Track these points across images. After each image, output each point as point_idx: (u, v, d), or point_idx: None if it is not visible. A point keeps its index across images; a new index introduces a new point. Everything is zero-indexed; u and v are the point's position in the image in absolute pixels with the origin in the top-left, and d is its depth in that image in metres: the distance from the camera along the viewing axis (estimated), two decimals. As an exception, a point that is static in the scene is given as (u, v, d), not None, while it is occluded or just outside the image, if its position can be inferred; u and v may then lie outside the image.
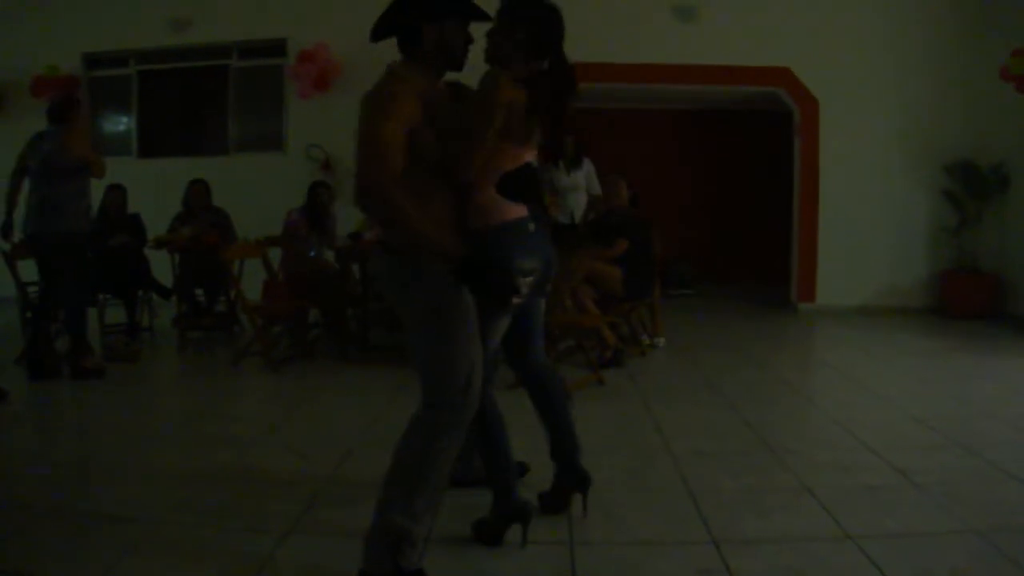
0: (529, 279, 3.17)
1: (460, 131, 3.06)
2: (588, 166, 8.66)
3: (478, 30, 3.21)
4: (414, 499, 2.96)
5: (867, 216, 10.58)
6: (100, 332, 8.13)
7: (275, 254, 8.16)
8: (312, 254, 8.15)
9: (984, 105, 10.21)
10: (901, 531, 3.53)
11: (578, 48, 10.44)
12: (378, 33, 3.22)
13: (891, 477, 4.22)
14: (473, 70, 3.20)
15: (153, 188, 9.66)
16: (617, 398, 6.03)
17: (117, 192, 8.66)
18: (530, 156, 3.30)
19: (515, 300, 3.14)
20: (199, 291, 8.84)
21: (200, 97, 11.67)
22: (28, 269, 7.55)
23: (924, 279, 10.65)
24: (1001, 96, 9.78)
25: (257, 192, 10.01)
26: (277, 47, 11.04)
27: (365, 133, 2.92)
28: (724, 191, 13.65)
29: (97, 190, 8.46)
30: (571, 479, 3.67)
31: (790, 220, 11.18)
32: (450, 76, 3.26)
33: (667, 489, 4.05)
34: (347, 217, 8.77)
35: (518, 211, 3.20)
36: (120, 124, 11.76)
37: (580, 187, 8.42)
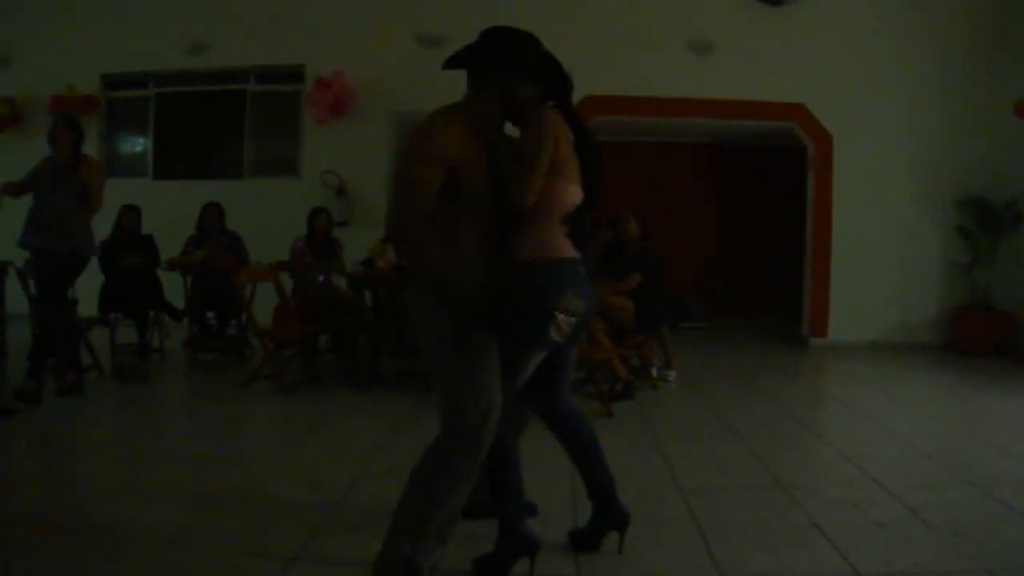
0: (573, 319, 3.19)
1: (517, 158, 3.14)
2: None
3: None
4: (424, 531, 2.95)
5: (880, 251, 10.59)
6: (111, 351, 8.16)
7: (287, 280, 8.18)
8: (320, 279, 8.17)
9: (998, 141, 10.24)
10: (911, 569, 3.49)
11: (594, 81, 10.56)
12: (452, 63, 3.26)
13: (901, 514, 4.18)
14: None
15: (167, 210, 9.71)
16: (627, 431, 6.00)
17: (131, 213, 8.71)
18: (579, 196, 3.31)
19: (556, 337, 3.16)
20: (210, 314, 8.87)
21: (217, 120, 11.75)
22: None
23: (936, 315, 10.64)
24: (1015, 132, 9.82)
25: (271, 217, 10.06)
26: (294, 73, 11.14)
27: (398, 173, 3.07)
28: (737, 225, 13.66)
29: (112, 211, 8.58)
30: (610, 519, 3.62)
31: (803, 254, 11.18)
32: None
33: (676, 523, 4.03)
34: (361, 243, 8.82)
35: (571, 250, 3.26)
36: (137, 145, 11.85)
37: None
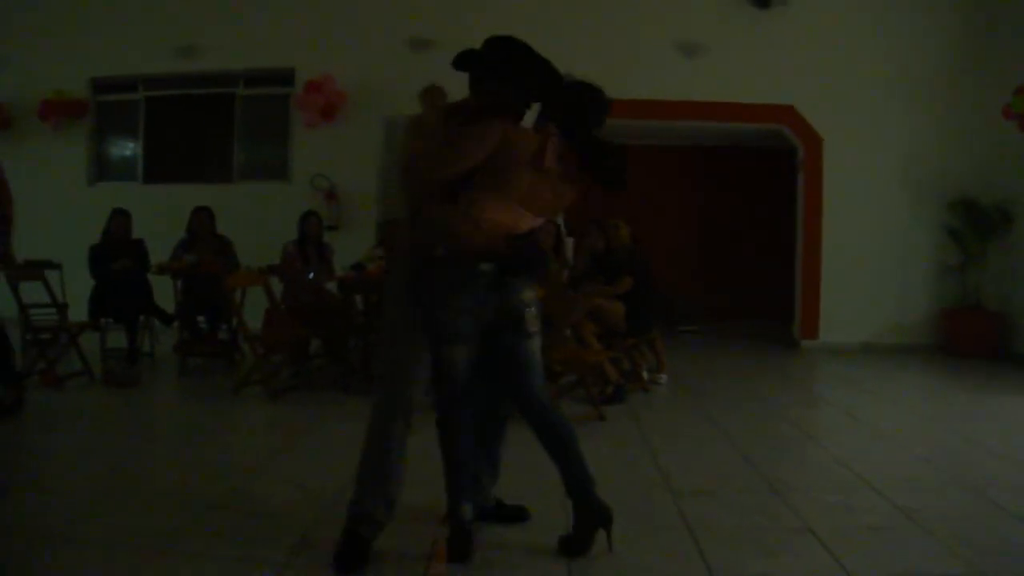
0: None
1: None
2: None
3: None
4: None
5: (870, 253, 10.60)
6: (101, 356, 8.12)
7: (278, 284, 8.15)
8: (310, 276, 8.14)
9: (987, 143, 10.27)
10: (905, 572, 3.49)
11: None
12: (459, 65, 3.57)
13: (894, 517, 4.18)
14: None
15: (157, 214, 9.68)
16: (618, 435, 5.98)
17: (121, 217, 8.68)
18: (529, 223, 3.52)
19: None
20: (201, 318, 8.82)
21: (206, 124, 11.72)
22: (33, 292, 7.55)
23: (927, 317, 10.65)
24: (1004, 134, 9.81)
25: (261, 220, 10.04)
26: (284, 76, 11.12)
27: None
28: (727, 227, 13.66)
29: (101, 215, 8.55)
30: (592, 517, 3.59)
31: (793, 257, 11.19)
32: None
33: (668, 527, 4.00)
34: (351, 247, 8.80)
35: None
36: (126, 149, 11.82)
37: None
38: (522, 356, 3.58)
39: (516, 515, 3.90)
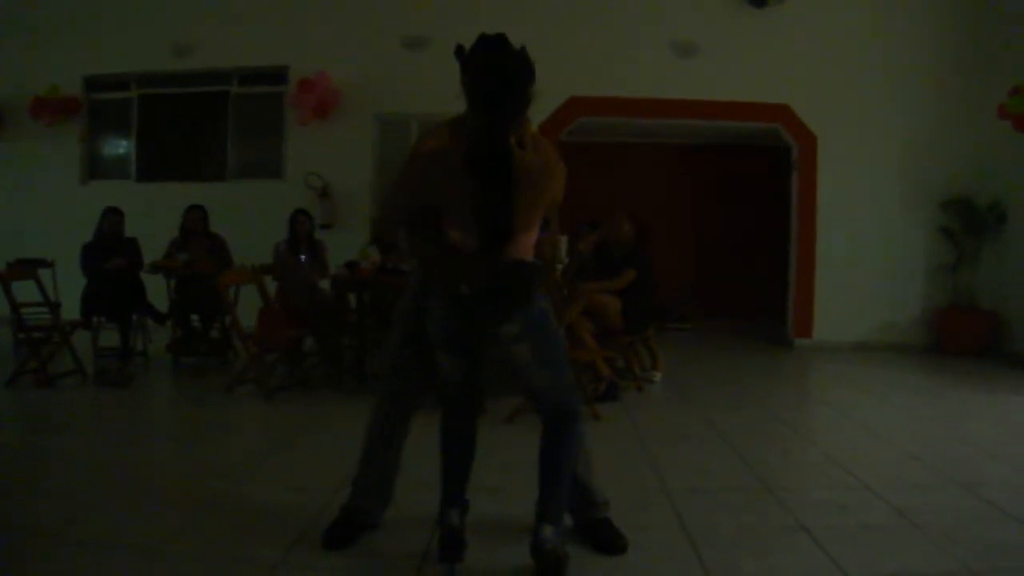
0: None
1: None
2: None
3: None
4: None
5: (864, 252, 10.61)
6: (94, 355, 8.09)
7: (271, 282, 8.13)
8: (303, 259, 8.12)
9: (982, 142, 10.28)
10: (899, 571, 3.49)
11: (577, 82, 10.52)
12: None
13: (889, 516, 4.18)
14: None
15: (151, 212, 9.65)
16: (612, 433, 5.96)
17: (114, 215, 8.63)
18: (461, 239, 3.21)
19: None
20: (194, 317, 8.80)
21: (200, 122, 11.67)
22: (26, 290, 7.53)
23: (921, 316, 10.66)
24: (999, 134, 9.82)
25: (255, 219, 10.00)
26: (278, 74, 11.08)
27: None
28: (721, 226, 13.64)
29: (94, 213, 8.51)
30: (539, 560, 3.33)
31: (787, 255, 11.19)
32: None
33: (662, 527, 4.00)
34: (346, 245, 8.79)
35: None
36: (119, 147, 11.76)
37: None
38: (524, 377, 3.45)
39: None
